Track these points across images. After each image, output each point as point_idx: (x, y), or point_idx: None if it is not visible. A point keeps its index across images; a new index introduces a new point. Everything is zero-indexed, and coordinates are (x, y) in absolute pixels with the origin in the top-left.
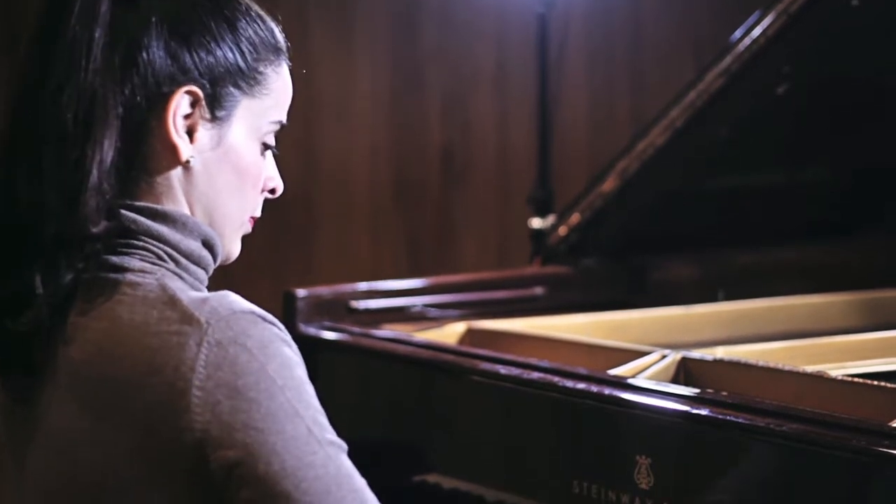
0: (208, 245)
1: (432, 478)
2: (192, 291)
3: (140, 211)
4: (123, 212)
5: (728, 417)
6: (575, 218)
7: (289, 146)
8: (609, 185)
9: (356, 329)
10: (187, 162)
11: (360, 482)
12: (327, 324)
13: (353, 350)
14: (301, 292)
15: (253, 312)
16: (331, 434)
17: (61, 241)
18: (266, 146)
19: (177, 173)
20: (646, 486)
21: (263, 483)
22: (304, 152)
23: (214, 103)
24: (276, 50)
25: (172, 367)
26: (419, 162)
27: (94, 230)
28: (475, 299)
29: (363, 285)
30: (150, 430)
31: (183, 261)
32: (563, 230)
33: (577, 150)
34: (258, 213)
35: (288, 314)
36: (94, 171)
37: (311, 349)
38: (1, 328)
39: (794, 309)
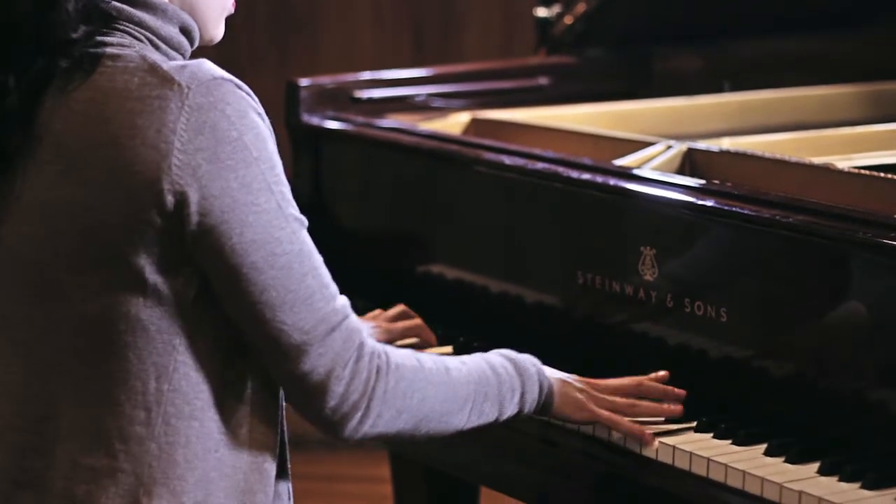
0: (186, 32)
1: (436, 268)
2: (171, 61)
3: None
4: (103, 5)
5: (734, 208)
6: (581, 7)
7: None
8: None
9: (360, 119)
10: None
11: (319, 260)
12: (330, 114)
13: (357, 140)
14: (304, 82)
15: (231, 80)
16: (295, 210)
17: (39, 46)
18: None
19: None
20: (650, 277)
21: (234, 252)
22: None
23: None
24: None
25: (155, 130)
26: None
27: (74, 35)
28: (479, 89)
29: (366, 75)
30: (132, 192)
31: (162, 45)
32: (568, 19)
33: None
34: (227, 9)
35: (291, 104)
36: None
37: (314, 139)
38: None
39: (801, 100)
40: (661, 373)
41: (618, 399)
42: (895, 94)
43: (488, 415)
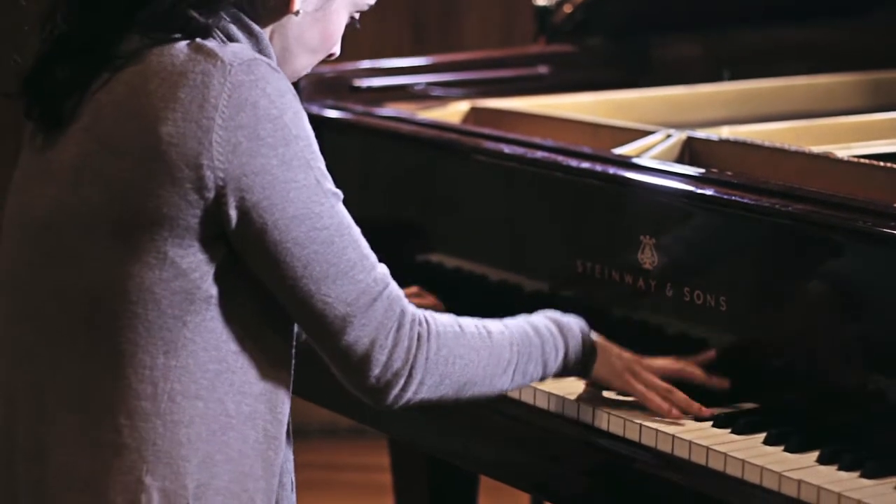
0: None
1: (435, 257)
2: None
3: (232, 17)
4: (220, 7)
5: (733, 197)
6: None
7: None
8: None
9: (359, 108)
10: (296, 12)
11: (357, 231)
12: (330, 102)
13: (356, 129)
14: None
15: (267, 62)
16: (332, 184)
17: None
18: (351, 19)
19: (279, 19)
20: (649, 265)
21: (276, 228)
22: None
23: None
24: None
25: (197, 105)
26: None
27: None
28: (479, 77)
29: (366, 63)
30: (169, 165)
31: None
32: (568, 8)
33: None
34: (308, 71)
35: None
36: None
37: (313, 128)
38: (50, 78)
39: (801, 89)
40: (709, 353)
41: (658, 381)
42: (895, 83)
43: (532, 375)
